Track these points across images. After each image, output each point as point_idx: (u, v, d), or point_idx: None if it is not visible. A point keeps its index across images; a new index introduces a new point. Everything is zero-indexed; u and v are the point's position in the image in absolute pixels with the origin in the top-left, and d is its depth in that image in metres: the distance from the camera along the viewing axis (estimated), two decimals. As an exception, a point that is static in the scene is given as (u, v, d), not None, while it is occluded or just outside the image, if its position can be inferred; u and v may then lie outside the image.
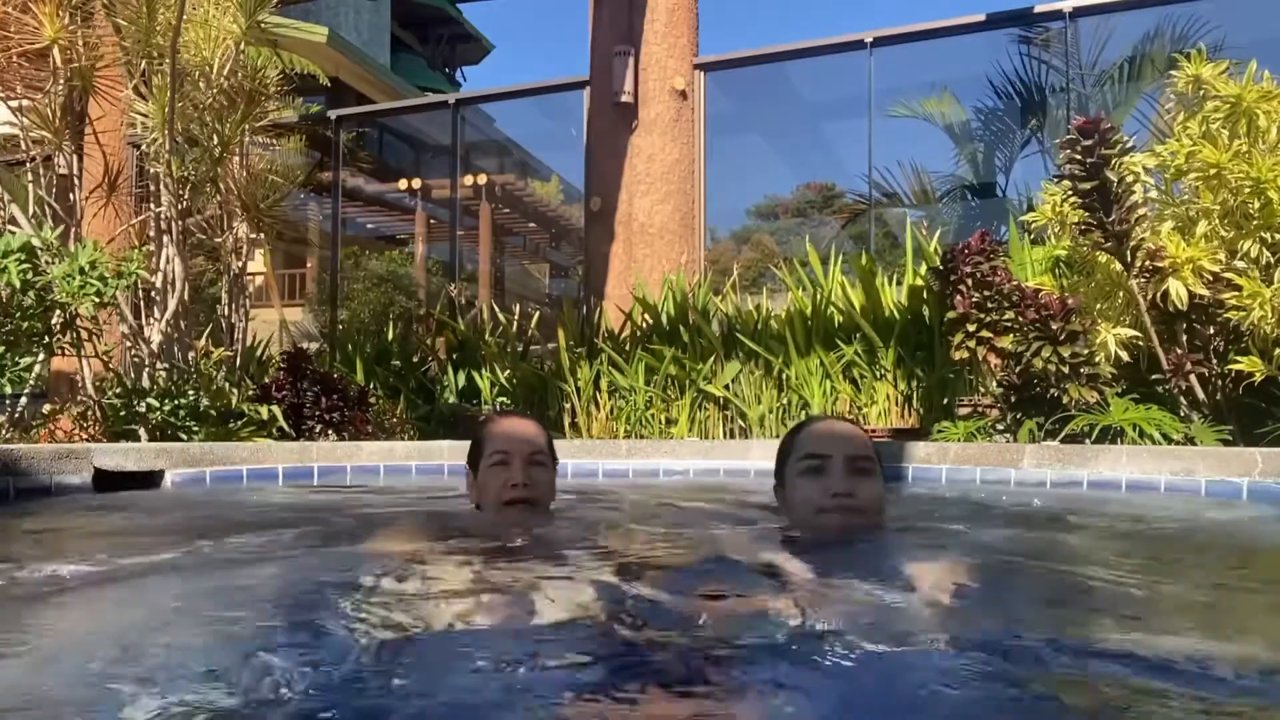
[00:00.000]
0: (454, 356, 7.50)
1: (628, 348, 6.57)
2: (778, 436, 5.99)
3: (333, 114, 9.92)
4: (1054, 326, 4.49)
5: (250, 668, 1.08)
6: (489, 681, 1.04)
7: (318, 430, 5.16)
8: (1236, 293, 4.32)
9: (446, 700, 1.00)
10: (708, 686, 1.04)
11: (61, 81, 5.37)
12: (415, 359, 7.66)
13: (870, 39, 7.67)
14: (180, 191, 5.45)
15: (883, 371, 5.90)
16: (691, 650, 1.17)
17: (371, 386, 6.57)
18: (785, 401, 6.11)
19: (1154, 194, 4.94)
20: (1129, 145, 4.61)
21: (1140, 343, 4.69)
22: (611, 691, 1.00)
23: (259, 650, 1.16)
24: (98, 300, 4.30)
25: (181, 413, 4.57)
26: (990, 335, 4.74)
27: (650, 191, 7.52)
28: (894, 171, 9.24)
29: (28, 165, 5.38)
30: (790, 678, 1.06)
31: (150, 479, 3.46)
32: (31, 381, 4.54)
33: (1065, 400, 4.49)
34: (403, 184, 13.91)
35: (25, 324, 4.22)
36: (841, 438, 1.97)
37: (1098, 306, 4.91)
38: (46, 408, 4.89)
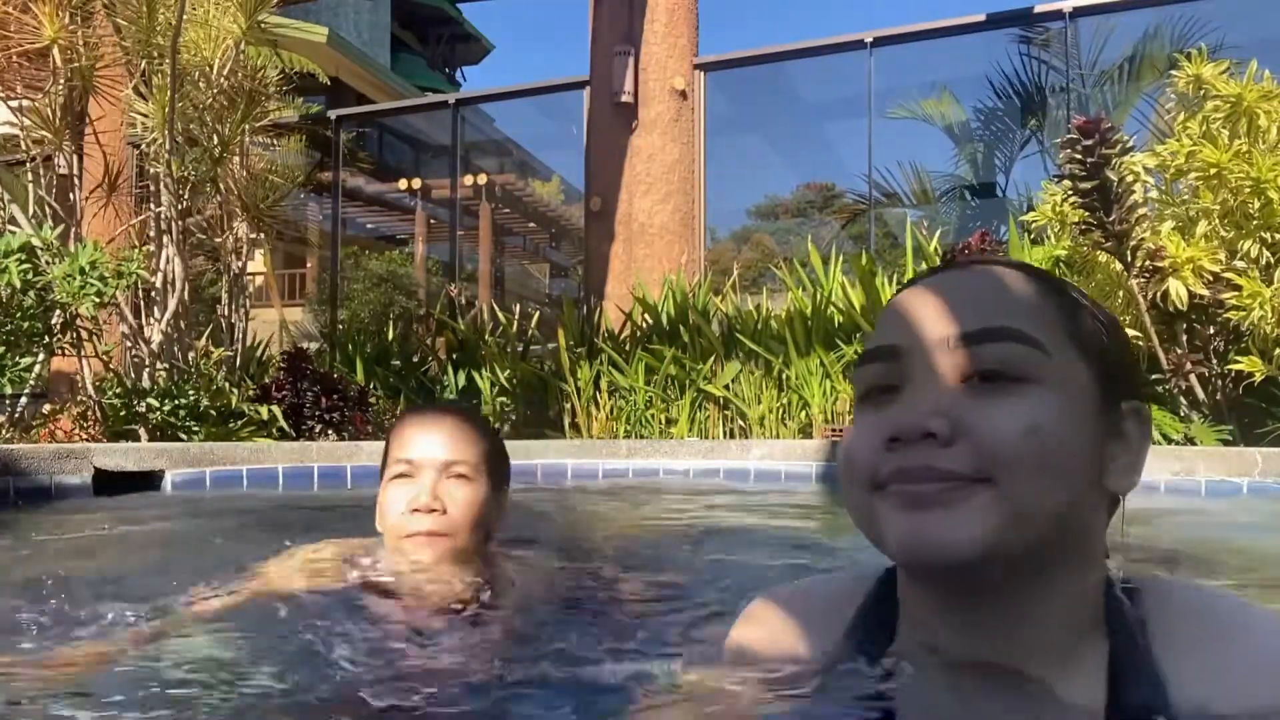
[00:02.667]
0: (454, 356, 7.50)
1: (628, 348, 6.57)
2: (778, 436, 5.99)
3: (333, 114, 9.92)
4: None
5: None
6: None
7: (318, 430, 5.15)
8: (1236, 293, 4.32)
9: None
10: None
11: (61, 81, 5.37)
12: (415, 359, 7.66)
13: (870, 39, 7.67)
14: (180, 191, 5.44)
15: (883, 371, 5.89)
16: None
17: (371, 386, 6.57)
18: (785, 401, 6.11)
19: (1154, 194, 4.94)
20: (1129, 145, 4.61)
21: (1140, 343, 4.69)
22: None
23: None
24: (98, 300, 4.30)
25: (181, 413, 4.57)
26: (990, 335, 4.74)
27: (650, 191, 7.51)
28: (894, 171, 9.25)
29: (28, 165, 5.38)
30: None
31: (150, 479, 3.46)
32: (31, 381, 4.54)
33: (1065, 400, 4.48)
34: (403, 184, 13.91)
35: (25, 324, 4.21)
36: None
37: (1098, 306, 4.91)
38: (46, 408, 4.89)
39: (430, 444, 1.50)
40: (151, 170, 5.55)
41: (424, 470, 1.49)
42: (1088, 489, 0.70)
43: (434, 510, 1.46)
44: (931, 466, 0.67)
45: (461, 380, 7.22)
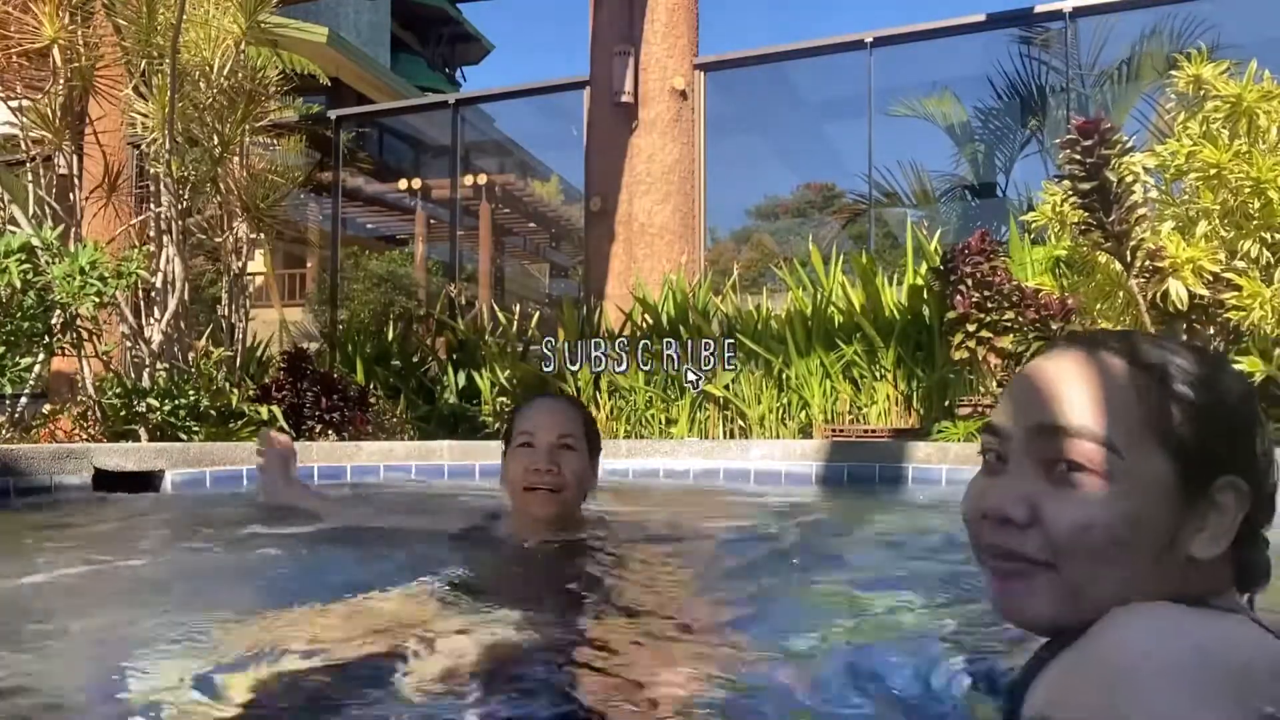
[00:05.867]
0: (454, 356, 7.49)
1: (628, 348, 6.56)
2: (778, 436, 5.99)
3: (333, 114, 9.91)
4: (1054, 326, 4.50)
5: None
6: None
7: (318, 430, 5.15)
8: (1236, 293, 4.32)
9: None
10: None
11: (61, 81, 5.36)
12: (415, 359, 7.65)
13: (870, 39, 7.67)
14: (180, 191, 5.44)
15: (883, 371, 5.90)
16: None
17: (371, 386, 6.56)
18: (785, 401, 6.11)
19: (1154, 194, 4.94)
20: (1129, 145, 4.61)
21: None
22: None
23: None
24: (98, 300, 4.30)
25: (181, 413, 4.57)
26: (990, 335, 4.74)
27: (650, 191, 7.51)
28: (894, 171, 9.25)
29: (28, 165, 5.38)
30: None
31: (150, 479, 3.46)
32: (31, 381, 4.54)
33: (1065, 400, 4.48)
34: (403, 184, 13.91)
35: (25, 324, 4.21)
36: None
37: (1098, 306, 4.91)
38: (46, 408, 4.89)
39: (546, 420, 1.96)
40: (151, 170, 5.55)
41: (542, 440, 1.92)
42: (1152, 565, 0.78)
43: (550, 471, 1.90)
44: (1007, 550, 0.80)
45: (461, 380, 7.22)
